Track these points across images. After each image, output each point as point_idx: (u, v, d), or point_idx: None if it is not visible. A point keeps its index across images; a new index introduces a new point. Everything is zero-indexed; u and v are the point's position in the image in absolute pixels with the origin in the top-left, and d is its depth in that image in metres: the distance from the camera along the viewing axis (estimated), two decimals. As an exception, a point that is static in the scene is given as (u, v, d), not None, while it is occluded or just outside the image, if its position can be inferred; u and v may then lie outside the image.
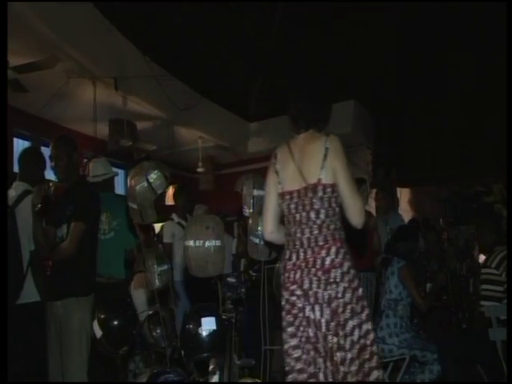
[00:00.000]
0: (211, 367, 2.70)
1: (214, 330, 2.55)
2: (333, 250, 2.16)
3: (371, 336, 2.16)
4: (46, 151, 3.27)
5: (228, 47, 6.68)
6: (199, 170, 8.35)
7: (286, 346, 2.19)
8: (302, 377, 2.11)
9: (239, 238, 4.84)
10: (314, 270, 2.16)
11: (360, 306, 2.16)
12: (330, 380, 2.06)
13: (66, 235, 3.01)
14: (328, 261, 2.14)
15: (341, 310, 2.12)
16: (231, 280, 3.04)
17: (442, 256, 5.39)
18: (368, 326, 2.16)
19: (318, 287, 2.13)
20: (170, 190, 7.40)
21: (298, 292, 2.18)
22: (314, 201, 2.20)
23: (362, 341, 2.12)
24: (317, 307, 2.14)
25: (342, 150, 2.22)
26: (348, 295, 2.13)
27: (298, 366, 2.14)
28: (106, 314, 2.65)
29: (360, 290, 2.18)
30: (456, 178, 8.37)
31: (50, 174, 3.49)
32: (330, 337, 2.09)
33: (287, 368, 2.17)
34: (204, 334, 2.54)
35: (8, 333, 2.36)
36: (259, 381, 2.93)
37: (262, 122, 8.40)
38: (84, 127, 6.96)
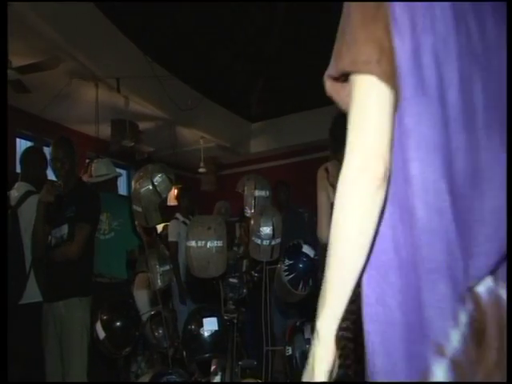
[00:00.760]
0: (213, 368, 2.71)
1: (215, 331, 2.55)
2: None
3: None
4: (49, 151, 3.27)
5: (229, 47, 6.68)
6: (201, 170, 8.35)
7: None
8: None
9: (241, 238, 4.85)
10: None
11: None
12: None
13: (67, 236, 3.01)
14: None
15: None
16: (233, 281, 3.05)
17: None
18: None
19: None
20: (172, 191, 7.44)
21: None
22: None
23: None
24: None
25: None
26: None
27: None
28: (109, 315, 2.65)
29: None
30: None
31: (51, 175, 3.50)
32: None
33: None
34: (206, 334, 2.54)
35: (12, 333, 2.37)
36: (260, 381, 2.93)
37: (264, 122, 8.40)
38: (86, 128, 6.97)
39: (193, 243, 2.62)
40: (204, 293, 3.82)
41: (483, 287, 0.80)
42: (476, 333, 0.79)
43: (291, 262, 2.79)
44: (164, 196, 2.66)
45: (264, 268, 2.91)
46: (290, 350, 2.83)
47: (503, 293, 0.81)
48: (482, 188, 0.81)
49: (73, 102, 6.36)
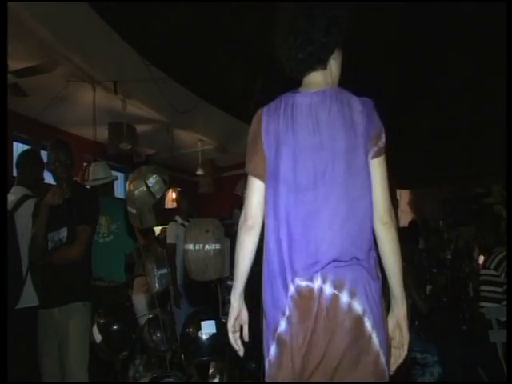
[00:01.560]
0: (211, 371, 2.71)
1: (214, 334, 2.55)
2: None
3: None
4: (46, 155, 3.27)
5: (227, 49, 6.68)
6: (199, 172, 8.36)
7: None
8: None
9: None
10: None
11: None
12: None
13: (67, 238, 2.99)
14: None
15: None
16: (231, 283, 3.04)
17: (441, 257, 5.39)
18: None
19: None
20: (170, 193, 7.44)
21: None
22: None
23: None
24: None
25: None
26: None
27: None
28: (105, 318, 2.64)
29: None
30: (456, 179, 8.38)
31: (48, 178, 3.49)
32: None
33: None
34: (204, 337, 2.54)
35: (8, 337, 2.36)
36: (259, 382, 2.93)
37: (262, 125, 8.40)
38: (83, 131, 6.97)
39: (191, 246, 2.61)
40: (202, 296, 3.82)
41: (303, 282, 1.42)
42: (296, 303, 1.42)
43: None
44: (158, 197, 2.66)
45: (262, 270, 2.90)
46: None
47: (325, 286, 1.40)
48: (309, 227, 1.45)
49: (70, 105, 6.36)
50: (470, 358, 3.54)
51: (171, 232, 4.78)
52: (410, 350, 2.65)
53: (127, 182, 2.73)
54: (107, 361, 2.78)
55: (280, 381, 1.43)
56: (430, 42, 6.88)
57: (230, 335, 1.68)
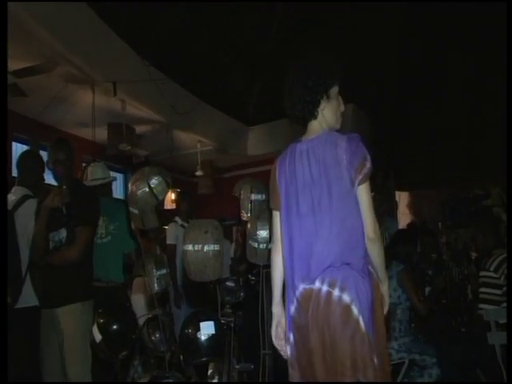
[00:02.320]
0: (210, 371, 2.71)
1: (212, 335, 2.55)
2: None
3: None
4: (45, 155, 3.27)
5: (227, 50, 6.68)
6: (198, 173, 8.35)
7: None
8: None
9: (238, 242, 4.86)
10: None
11: None
12: None
13: (66, 239, 2.99)
14: None
15: None
16: (230, 284, 3.04)
17: (440, 260, 5.40)
18: None
19: None
20: (169, 194, 7.44)
21: None
22: None
23: None
24: None
25: None
26: None
27: None
28: (105, 318, 2.64)
29: None
30: (454, 181, 8.38)
31: (48, 179, 3.49)
32: None
33: None
34: (203, 338, 2.54)
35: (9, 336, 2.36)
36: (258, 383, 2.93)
37: (261, 126, 8.40)
38: (83, 131, 6.97)
39: (190, 247, 2.62)
40: (201, 296, 3.82)
41: (307, 285, 1.88)
42: (301, 299, 1.90)
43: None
44: (161, 198, 2.67)
45: (261, 271, 2.91)
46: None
47: (323, 287, 1.84)
48: (311, 244, 1.90)
49: (69, 106, 6.36)
50: (469, 360, 3.54)
51: (171, 233, 4.79)
52: (408, 350, 2.91)
53: (130, 183, 2.74)
54: (107, 361, 2.78)
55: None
56: (430, 41, 6.89)
57: (274, 341, 2.09)
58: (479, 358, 3.50)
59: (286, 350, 1.98)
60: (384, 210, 5.69)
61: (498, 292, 3.48)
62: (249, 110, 8.05)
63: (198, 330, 2.54)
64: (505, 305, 3.39)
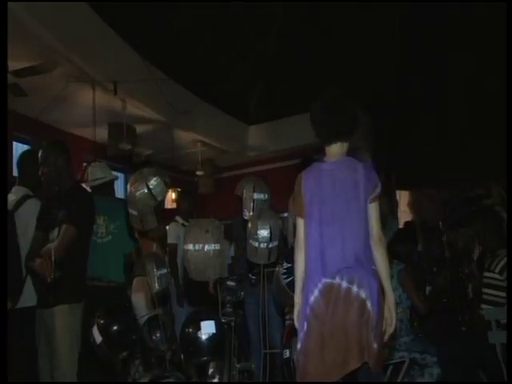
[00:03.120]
0: (211, 371, 2.71)
1: (213, 334, 2.55)
2: None
3: None
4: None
5: (227, 50, 6.68)
6: (198, 173, 8.35)
7: None
8: None
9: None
10: None
11: None
12: None
13: (56, 239, 2.99)
14: None
15: None
16: (231, 284, 3.05)
17: (441, 259, 5.39)
18: None
19: None
20: (170, 194, 7.44)
21: None
22: None
23: None
24: None
25: None
26: None
27: None
28: (105, 319, 2.64)
29: None
30: (455, 180, 8.37)
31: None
32: None
33: None
34: (203, 337, 2.54)
35: (9, 336, 2.36)
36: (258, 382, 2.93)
37: (262, 125, 8.41)
38: (83, 131, 6.97)
39: (190, 246, 2.62)
40: (202, 296, 3.82)
41: (325, 279, 2.20)
42: (323, 291, 2.19)
43: (289, 265, 2.79)
44: (159, 199, 2.67)
45: (262, 271, 2.92)
46: (287, 353, 2.83)
47: (342, 283, 2.17)
48: (330, 247, 2.25)
49: (70, 106, 6.36)
50: (470, 359, 3.53)
51: (172, 232, 4.79)
52: (409, 349, 3.00)
53: (128, 184, 2.74)
54: (107, 361, 2.78)
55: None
56: (430, 42, 6.88)
57: (297, 323, 2.34)
58: (480, 358, 3.50)
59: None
60: (387, 209, 5.67)
61: (502, 294, 3.45)
62: (249, 110, 8.04)
63: (199, 329, 2.55)
64: (507, 305, 3.38)
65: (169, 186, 2.73)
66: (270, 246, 2.82)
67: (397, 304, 3.76)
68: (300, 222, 2.38)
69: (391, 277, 3.83)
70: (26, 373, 3.00)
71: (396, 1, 6.32)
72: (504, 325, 3.32)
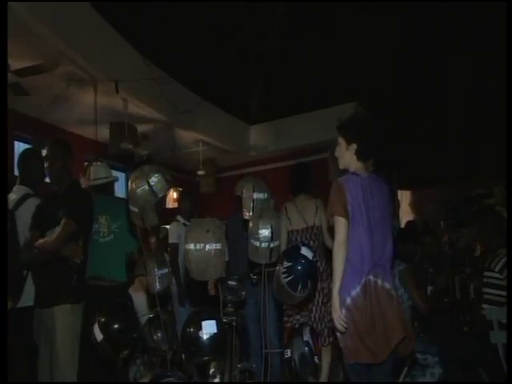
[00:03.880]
0: (212, 370, 2.71)
1: (214, 334, 2.55)
2: None
3: None
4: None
5: (228, 49, 6.68)
6: (200, 172, 8.34)
7: None
8: None
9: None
10: None
11: None
12: None
13: None
14: None
15: None
16: (232, 283, 3.04)
17: (442, 258, 5.39)
18: None
19: None
20: (171, 193, 7.44)
21: None
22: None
23: None
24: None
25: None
26: None
27: None
28: (107, 317, 2.64)
29: None
30: (457, 180, 8.37)
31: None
32: None
33: None
34: (205, 337, 2.53)
35: (10, 335, 2.36)
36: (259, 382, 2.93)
37: (263, 125, 8.40)
38: (85, 130, 6.97)
39: (191, 246, 2.62)
40: (203, 295, 3.82)
41: (369, 277, 2.56)
42: (364, 286, 2.55)
43: (290, 264, 2.79)
44: (160, 196, 2.66)
45: (263, 270, 2.91)
46: (288, 353, 2.83)
47: (378, 280, 2.57)
48: (371, 248, 2.59)
49: (71, 105, 6.36)
50: (471, 359, 3.53)
51: (174, 231, 4.79)
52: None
53: (129, 181, 2.74)
54: (108, 360, 2.78)
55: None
56: (429, 42, 6.88)
57: (337, 318, 2.53)
58: (481, 357, 3.49)
59: (343, 324, 2.52)
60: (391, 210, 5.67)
61: (502, 293, 3.45)
62: (251, 109, 8.04)
63: (200, 328, 2.54)
64: (508, 304, 3.38)
65: (170, 183, 2.72)
66: (272, 245, 2.82)
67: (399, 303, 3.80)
68: (341, 223, 2.59)
69: (393, 276, 3.87)
70: (25, 373, 3.01)
71: (396, 1, 6.32)
72: (505, 325, 3.31)
